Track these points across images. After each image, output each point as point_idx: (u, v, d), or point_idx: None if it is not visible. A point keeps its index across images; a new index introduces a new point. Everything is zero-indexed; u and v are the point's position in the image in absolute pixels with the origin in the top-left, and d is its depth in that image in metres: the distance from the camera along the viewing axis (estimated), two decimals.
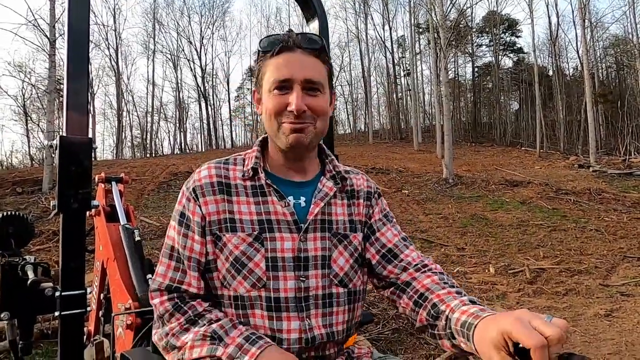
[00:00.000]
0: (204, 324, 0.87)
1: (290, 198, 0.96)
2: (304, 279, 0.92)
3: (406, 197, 10.94)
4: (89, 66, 1.34)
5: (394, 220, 1.09)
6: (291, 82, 0.90)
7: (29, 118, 26.89)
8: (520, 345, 0.63)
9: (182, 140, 36.16)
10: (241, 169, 0.97)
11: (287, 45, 0.92)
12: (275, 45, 0.92)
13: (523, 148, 25.71)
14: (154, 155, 31.30)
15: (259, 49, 0.95)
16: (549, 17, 28.26)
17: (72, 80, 1.22)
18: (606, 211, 9.49)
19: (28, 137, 27.03)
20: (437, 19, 15.39)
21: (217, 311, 0.92)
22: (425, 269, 0.99)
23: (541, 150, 21.87)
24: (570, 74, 35.79)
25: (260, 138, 1.05)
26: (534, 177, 13.72)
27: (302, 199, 0.98)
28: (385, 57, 35.62)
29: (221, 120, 39.92)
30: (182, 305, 0.91)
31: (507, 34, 37.48)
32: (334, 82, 1.02)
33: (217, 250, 0.92)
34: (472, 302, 0.85)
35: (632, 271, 5.51)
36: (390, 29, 34.86)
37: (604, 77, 34.66)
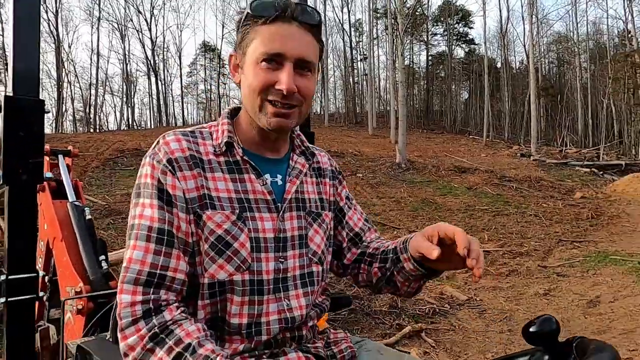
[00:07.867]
0: (171, 345, 0.73)
1: (267, 176, 0.91)
2: (283, 260, 0.89)
3: (360, 181, 11.10)
4: (39, 17, 1.15)
5: (354, 200, 1.14)
6: (283, 58, 0.82)
7: None
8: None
9: (130, 116, 34.43)
10: (211, 144, 0.89)
11: (283, 15, 0.82)
12: (269, 12, 0.82)
13: (471, 136, 26.83)
14: (98, 130, 29.54)
15: (249, 11, 0.84)
16: (500, 11, 29.56)
17: (19, 31, 1.05)
18: (544, 198, 10.17)
19: None
20: (395, 4, 15.49)
21: (187, 323, 0.77)
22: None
23: (487, 139, 22.95)
24: (517, 67, 37.65)
25: (227, 110, 0.97)
26: (481, 164, 14.39)
27: (279, 176, 0.93)
28: (343, 40, 35.67)
29: (172, 96, 38.41)
30: (152, 314, 0.76)
31: (460, 24, 38.62)
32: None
33: (199, 231, 0.83)
34: None
35: (566, 253, 5.96)
36: (349, 12, 34.93)
37: (546, 71, 36.76)
